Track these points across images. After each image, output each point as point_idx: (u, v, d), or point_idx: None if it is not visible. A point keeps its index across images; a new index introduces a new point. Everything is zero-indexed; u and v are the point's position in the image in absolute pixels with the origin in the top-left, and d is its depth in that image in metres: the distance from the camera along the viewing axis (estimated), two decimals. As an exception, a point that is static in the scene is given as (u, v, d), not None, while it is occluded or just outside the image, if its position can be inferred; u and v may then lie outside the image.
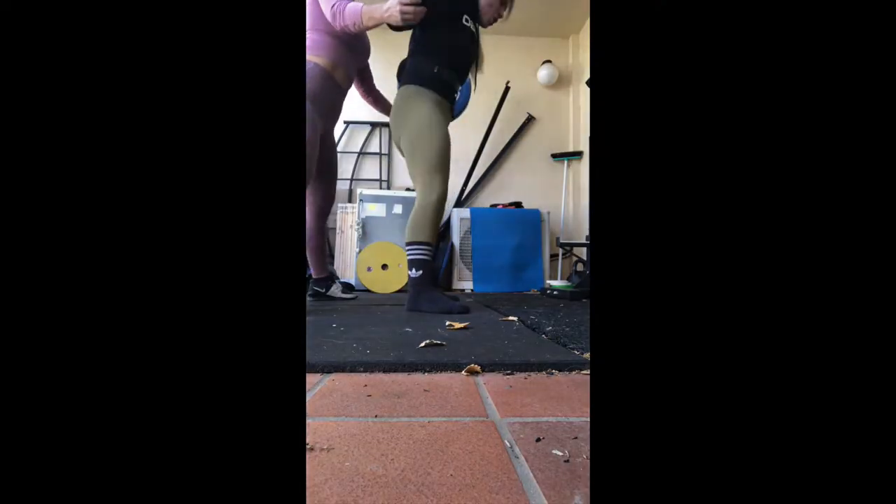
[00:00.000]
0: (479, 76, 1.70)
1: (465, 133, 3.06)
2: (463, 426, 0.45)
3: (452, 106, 1.59)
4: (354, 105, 2.91)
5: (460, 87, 1.60)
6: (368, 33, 1.65)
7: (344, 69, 1.55)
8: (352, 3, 1.39)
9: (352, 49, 1.56)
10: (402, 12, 1.31)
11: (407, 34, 1.56)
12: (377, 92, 1.90)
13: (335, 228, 2.69)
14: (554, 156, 3.11)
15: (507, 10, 1.59)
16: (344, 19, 1.38)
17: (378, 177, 3.06)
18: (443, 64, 1.48)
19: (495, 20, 1.61)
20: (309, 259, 1.84)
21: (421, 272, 1.42)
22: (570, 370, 0.68)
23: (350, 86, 1.63)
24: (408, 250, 1.44)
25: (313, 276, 1.86)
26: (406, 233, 1.45)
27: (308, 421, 0.46)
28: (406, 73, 1.53)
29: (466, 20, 1.54)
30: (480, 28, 1.63)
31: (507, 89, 3.04)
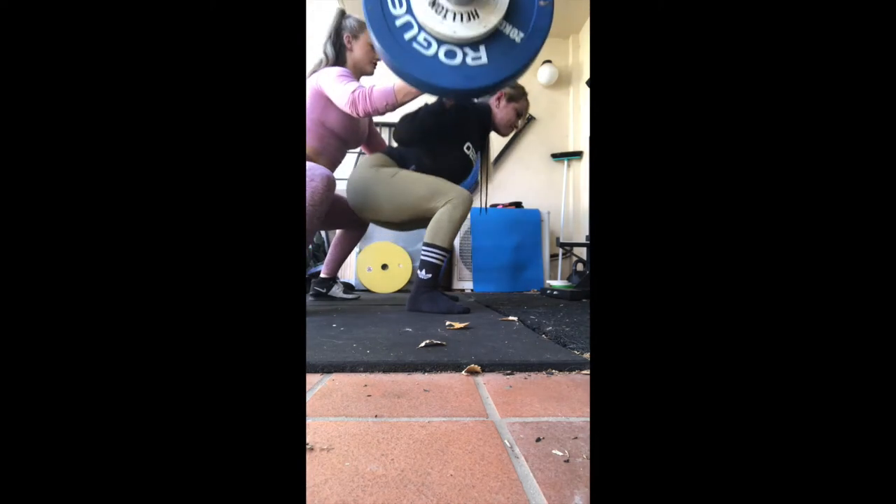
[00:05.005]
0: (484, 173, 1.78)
1: (465, 133, 3.06)
2: (463, 426, 0.45)
3: None
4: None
5: None
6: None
7: (329, 157, 1.50)
8: (379, 86, 1.25)
9: (341, 138, 1.50)
10: None
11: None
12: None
13: (335, 228, 2.69)
14: (554, 156, 3.10)
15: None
16: (372, 103, 1.24)
17: (378, 177, 3.05)
18: (423, 170, 1.50)
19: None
20: (327, 260, 1.85)
21: (430, 276, 1.42)
22: (570, 370, 0.68)
23: (336, 167, 1.59)
24: (424, 250, 1.43)
25: (321, 276, 1.87)
26: (427, 232, 1.42)
27: (308, 421, 0.46)
28: (389, 146, 1.58)
29: (468, 148, 1.57)
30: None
31: (507, 89, 3.04)
